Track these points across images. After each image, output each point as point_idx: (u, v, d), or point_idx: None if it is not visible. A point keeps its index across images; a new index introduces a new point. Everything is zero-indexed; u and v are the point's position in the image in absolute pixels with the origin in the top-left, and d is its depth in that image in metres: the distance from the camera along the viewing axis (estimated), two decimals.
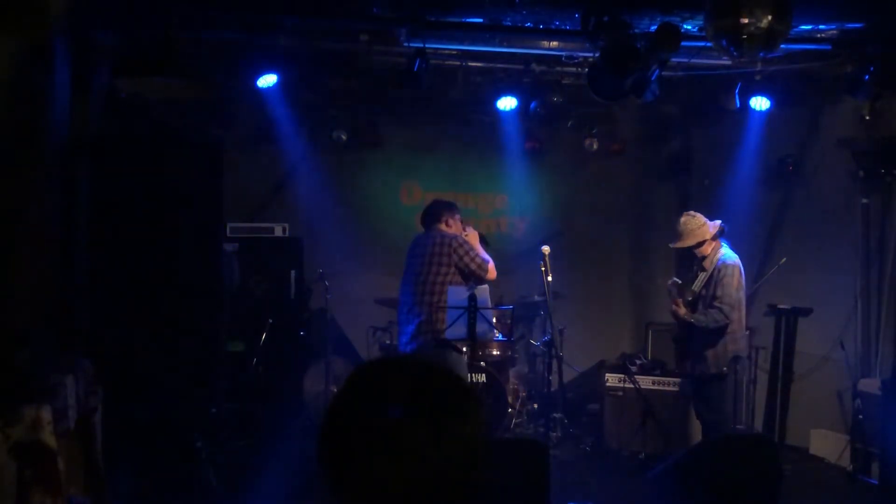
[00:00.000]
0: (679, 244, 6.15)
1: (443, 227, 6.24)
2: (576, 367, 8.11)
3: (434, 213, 6.36)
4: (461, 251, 6.07)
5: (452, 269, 6.07)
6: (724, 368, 6.03)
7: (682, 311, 6.07)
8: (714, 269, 6.01)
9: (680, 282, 6.19)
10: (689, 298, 6.09)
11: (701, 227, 6.05)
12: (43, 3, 4.51)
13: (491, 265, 6.15)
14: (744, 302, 6.08)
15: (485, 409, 1.42)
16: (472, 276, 6.12)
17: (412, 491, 1.30)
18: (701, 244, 6.06)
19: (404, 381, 1.37)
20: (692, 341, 6.09)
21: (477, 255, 6.13)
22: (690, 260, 6.32)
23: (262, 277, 7.50)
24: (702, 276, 6.07)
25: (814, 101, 7.37)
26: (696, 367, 6.09)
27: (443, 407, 1.35)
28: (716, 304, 5.92)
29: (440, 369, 1.41)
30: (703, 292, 6.03)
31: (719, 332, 5.95)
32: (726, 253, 6.08)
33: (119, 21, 5.63)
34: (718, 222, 6.13)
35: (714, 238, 6.07)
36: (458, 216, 6.37)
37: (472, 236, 6.32)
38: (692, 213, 6.19)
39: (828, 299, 7.13)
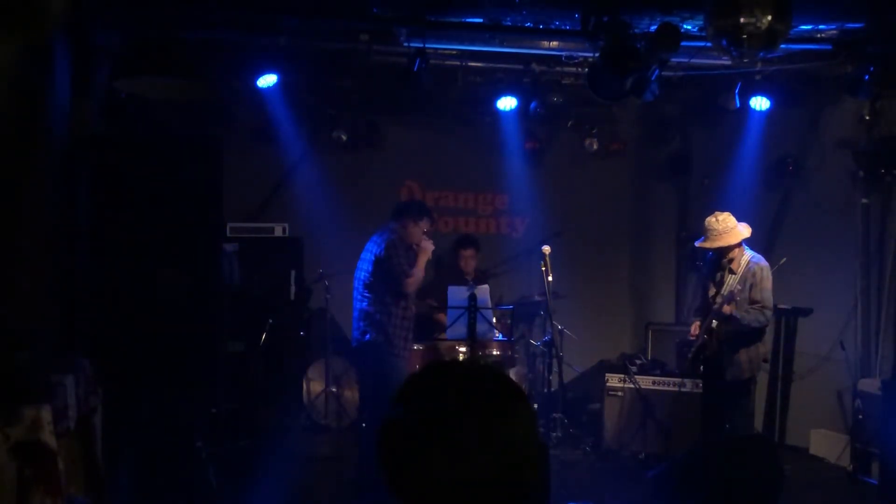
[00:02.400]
0: (713, 244, 5.94)
1: (399, 227, 6.10)
2: (576, 367, 8.10)
3: (400, 210, 6.24)
4: (389, 254, 5.93)
5: (380, 270, 5.96)
6: (756, 372, 6.06)
7: (729, 308, 5.84)
8: (747, 270, 5.88)
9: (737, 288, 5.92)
10: (718, 300, 5.95)
11: (735, 227, 5.91)
12: (43, 3, 4.50)
13: (410, 279, 5.95)
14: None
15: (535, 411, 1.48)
16: (391, 280, 5.96)
17: (467, 491, 1.33)
18: (734, 246, 5.92)
19: (460, 383, 1.41)
20: (726, 346, 5.99)
21: (402, 265, 5.94)
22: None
23: (262, 277, 7.50)
24: (731, 279, 5.92)
25: (814, 101, 7.37)
26: (728, 372, 6.01)
27: (496, 408, 1.38)
28: (757, 307, 5.86)
29: (494, 372, 1.45)
30: (736, 295, 5.84)
31: (756, 335, 5.94)
32: (754, 254, 5.98)
33: (119, 21, 5.63)
34: (746, 224, 6.00)
35: (742, 238, 5.96)
36: (423, 223, 6.16)
37: (426, 250, 6.11)
38: (724, 213, 6.01)
39: (828, 299, 7.13)
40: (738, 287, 5.84)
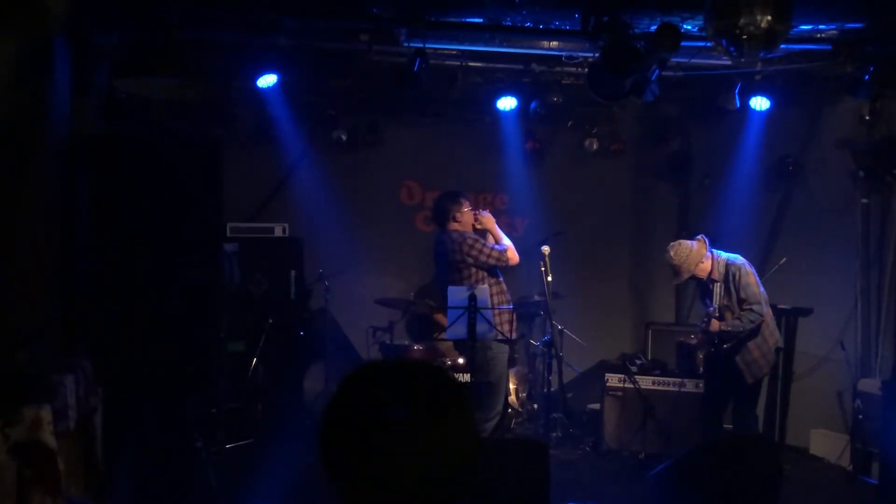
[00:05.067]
0: (684, 276, 6.14)
1: (454, 224, 6.39)
2: (576, 367, 8.10)
3: (442, 211, 6.52)
4: (474, 252, 6.29)
5: (474, 269, 6.31)
6: (772, 362, 6.23)
7: (717, 324, 6.05)
8: (727, 274, 6.05)
9: (715, 307, 6.13)
10: (716, 314, 6.10)
11: (690, 252, 6.07)
12: (43, 3, 4.50)
13: (509, 252, 6.37)
14: (765, 294, 6.13)
15: (475, 409, 1.48)
16: (496, 268, 6.33)
17: (410, 490, 1.34)
18: (702, 265, 6.08)
19: (399, 382, 1.42)
20: (738, 352, 6.11)
21: (492, 249, 6.33)
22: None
23: (262, 277, 7.50)
24: (717, 288, 6.08)
25: (814, 101, 7.37)
26: (747, 374, 6.14)
27: (437, 407, 1.38)
28: (745, 307, 5.99)
29: (433, 370, 1.45)
30: (727, 302, 6.06)
31: (758, 330, 6.05)
32: (728, 256, 6.10)
33: (119, 21, 5.62)
34: (700, 236, 6.19)
35: (706, 252, 6.12)
36: (465, 206, 6.50)
37: (487, 220, 6.51)
38: (676, 243, 6.21)
39: (828, 299, 7.13)
40: (724, 295, 6.06)
